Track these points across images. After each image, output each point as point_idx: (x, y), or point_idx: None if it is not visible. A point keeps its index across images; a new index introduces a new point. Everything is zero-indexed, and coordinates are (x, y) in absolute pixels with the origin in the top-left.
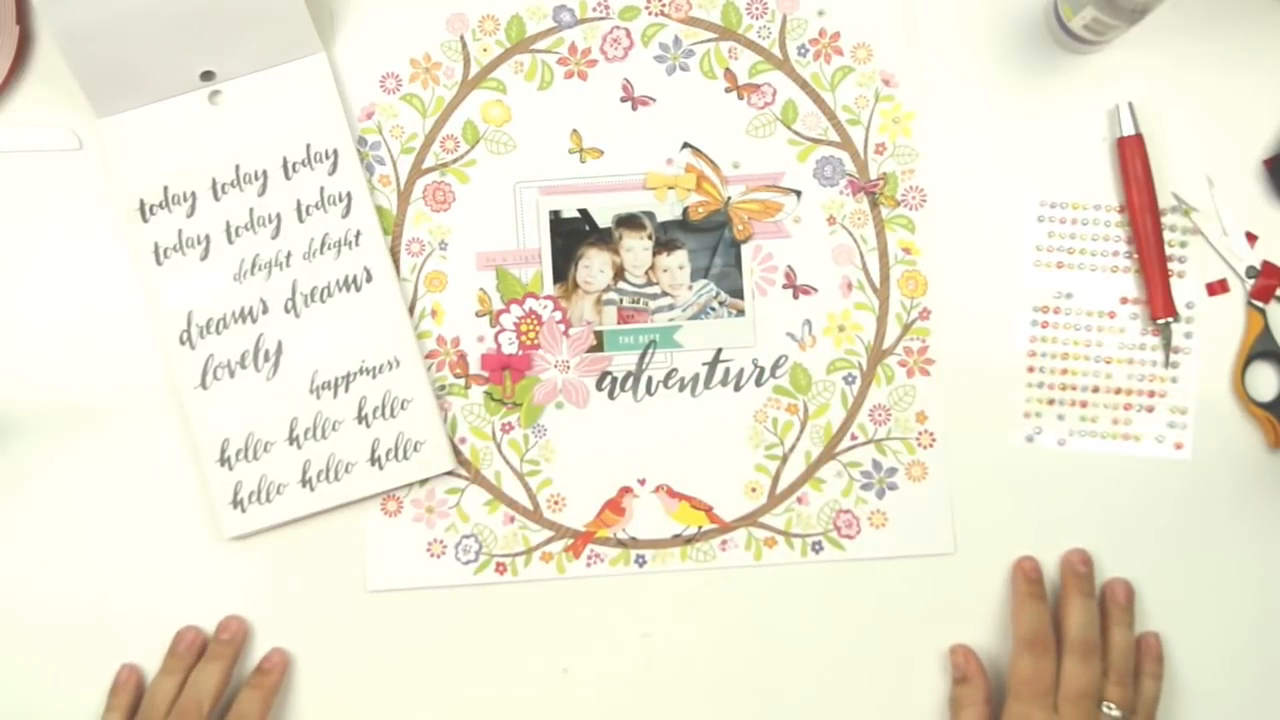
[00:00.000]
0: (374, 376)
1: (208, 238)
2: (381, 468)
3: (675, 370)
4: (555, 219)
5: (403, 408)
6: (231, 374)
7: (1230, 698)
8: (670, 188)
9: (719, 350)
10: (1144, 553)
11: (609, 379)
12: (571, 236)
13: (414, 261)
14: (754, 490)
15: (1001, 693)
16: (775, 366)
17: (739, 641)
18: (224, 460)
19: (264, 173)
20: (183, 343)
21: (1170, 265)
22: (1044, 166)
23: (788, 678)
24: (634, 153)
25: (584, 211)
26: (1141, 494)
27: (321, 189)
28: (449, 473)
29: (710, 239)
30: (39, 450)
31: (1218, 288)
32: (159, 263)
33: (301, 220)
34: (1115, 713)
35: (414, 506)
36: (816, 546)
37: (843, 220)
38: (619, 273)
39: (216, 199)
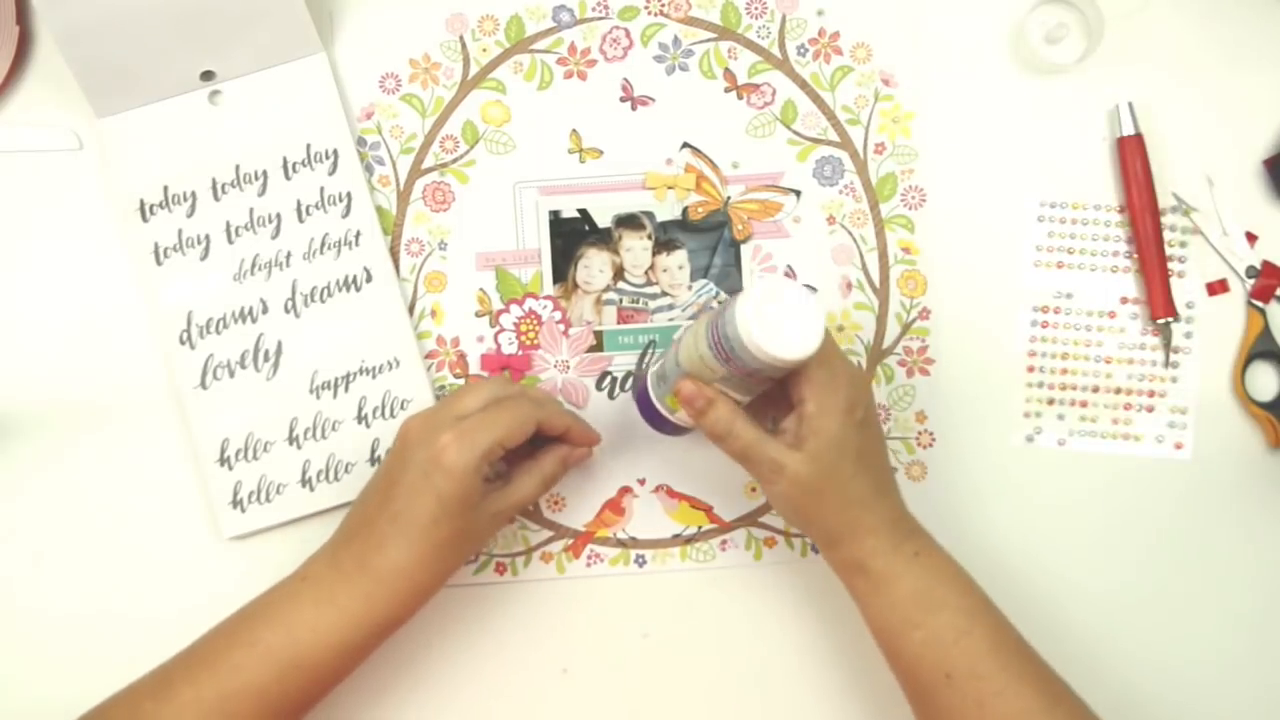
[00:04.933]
0: (374, 376)
1: (208, 238)
2: None
3: None
4: (555, 219)
5: (403, 408)
6: (231, 374)
7: (1230, 698)
8: (670, 187)
9: None
10: (1144, 553)
11: (609, 379)
12: (571, 236)
13: (414, 261)
14: (754, 490)
15: None
16: None
17: (739, 641)
18: (224, 460)
19: (264, 173)
20: (182, 343)
21: (1170, 265)
22: (1044, 166)
23: (788, 677)
24: (633, 153)
25: (583, 211)
26: (1141, 494)
27: (321, 189)
28: None
29: (710, 239)
30: (39, 450)
31: (1218, 288)
32: (159, 263)
33: (301, 220)
34: None
35: None
36: (816, 546)
37: (842, 220)
38: (619, 273)
39: (216, 199)
